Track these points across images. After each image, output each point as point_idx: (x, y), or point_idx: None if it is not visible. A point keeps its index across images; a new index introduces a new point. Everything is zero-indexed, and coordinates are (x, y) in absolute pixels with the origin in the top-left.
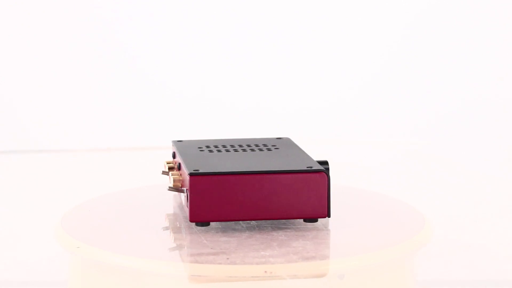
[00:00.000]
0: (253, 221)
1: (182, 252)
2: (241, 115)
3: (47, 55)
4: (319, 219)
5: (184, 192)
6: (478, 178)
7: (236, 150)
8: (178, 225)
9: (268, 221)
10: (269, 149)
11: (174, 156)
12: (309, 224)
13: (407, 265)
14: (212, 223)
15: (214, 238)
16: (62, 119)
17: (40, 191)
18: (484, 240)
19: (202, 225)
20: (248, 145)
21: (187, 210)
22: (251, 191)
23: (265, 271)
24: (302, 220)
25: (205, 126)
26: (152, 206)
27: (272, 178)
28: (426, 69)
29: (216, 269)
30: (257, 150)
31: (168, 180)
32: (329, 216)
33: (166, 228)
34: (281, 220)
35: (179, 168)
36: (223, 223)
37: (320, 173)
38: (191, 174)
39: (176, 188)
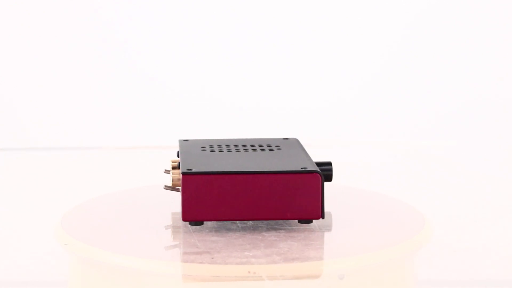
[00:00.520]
0: (249, 221)
1: (167, 251)
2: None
3: (47, 55)
4: (320, 220)
5: (179, 191)
6: (478, 178)
7: (238, 150)
8: (173, 225)
9: (265, 222)
10: (271, 150)
11: (178, 155)
12: (304, 225)
13: (407, 265)
14: (209, 223)
15: (206, 237)
16: (62, 118)
17: (40, 191)
18: (484, 240)
19: (195, 225)
20: (252, 145)
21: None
22: (244, 191)
23: (249, 271)
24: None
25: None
26: (152, 206)
27: (265, 178)
28: (426, 69)
29: (195, 268)
30: (259, 151)
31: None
32: (323, 217)
33: (166, 228)
34: (278, 221)
35: (179, 167)
36: (220, 223)
37: (314, 174)
38: (183, 173)
39: (171, 187)
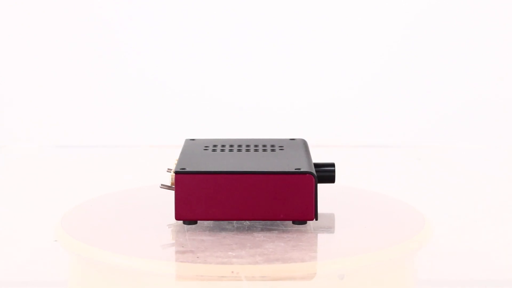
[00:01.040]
0: (246, 222)
1: (155, 250)
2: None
3: (47, 55)
4: (320, 220)
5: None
6: (478, 178)
7: (240, 150)
8: (174, 224)
9: (261, 222)
10: (273, 150)
11: None
12: (299, 226)
13: (407, 265)
14: (205, 222)
15: (198, 236)
16: (62, 118)
17: (40, 191)
18: (484, 240)
19: (189, 223)
20: (256, 146)
21: None
22: (236, 191)
23: (232, 271)
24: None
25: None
26: (152, 206)
27: (257, 179)
28: (426, 69)
29: (177, 266)
30: (261, 151)
31: None
32: (316, 219)
33: (166, 228)
34: (275, 222)
35: None
36: (216, 222)
37: (307, 175)
38: (176, 172)
39: (168, 186)
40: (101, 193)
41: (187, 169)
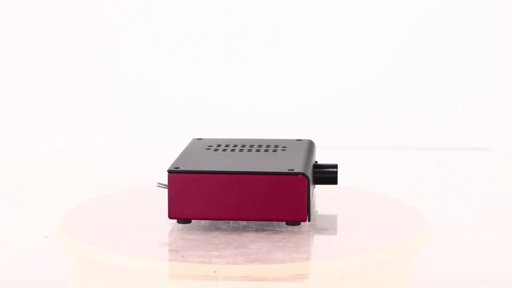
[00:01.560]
0: (243, 222)
1: (143, 249)
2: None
3: (47, 55)
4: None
5: None
6: (478, 178)
7: (241, 150)
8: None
9: (258, 222)
10: (275, 151)
11: None
12: (292, 227)
13: (407, 265)
14: (202, 222)
15: (189, 236)
16: (62, 118)
17: (40, 191)
18: (484, 240)
19: (183, 222)
20: (260, 146)
21: None
22: (229, 191)
23: (215, 271)
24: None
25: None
26: (152, 206)
27: (249, 179)
28: (425, 69)
29: (157, 265)
30: (263, 151)
31: None
32: (309, 220)
33: (165, 228)
34: (271, 222)
35: None
36: (212, 221)
37: (299, 176)
38: (169, 171)
39: (164, 185)
40: (101, 193)
41: (181, 168)
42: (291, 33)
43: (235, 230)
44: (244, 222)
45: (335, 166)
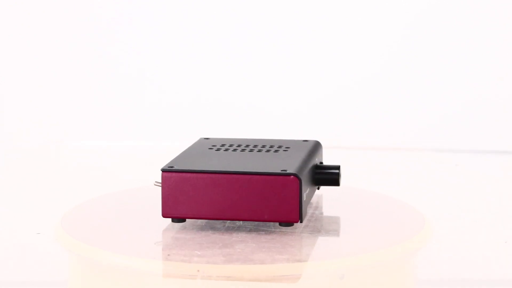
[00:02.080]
0: (239, 221)
1: (144, 249)
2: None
3: (47, 55)
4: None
5: None
6: (478, 178)
7: (243, 150)
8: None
9: (253, 222)
10: (276, 151)
11: None
12: (285, 228)
13: (407, 265)
14: (198, 221)
15: (181, 235)
16: (62, 118)
17: (40, 191)
18: (484, 240)
19: (178, 221)
20: (263, 146)
21: None
22: (221, 191)
23: (198, 270)
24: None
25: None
26: (152, 206)
27: (241, 179)
28: (425, 69)
29: (142, 263)
30: (264, 151)
31: None
32: (301, 221)
33: (164, 228)
34: (266, 223)
35: None
36: (209, 221)
37: (291, 176)
38: (163, 170)
39: (160, 183)
40: (101, 193)
41: (175, 167)
42: (291, 33)
43: (229, 230)
44: (241, 222)
45: (337, 168)
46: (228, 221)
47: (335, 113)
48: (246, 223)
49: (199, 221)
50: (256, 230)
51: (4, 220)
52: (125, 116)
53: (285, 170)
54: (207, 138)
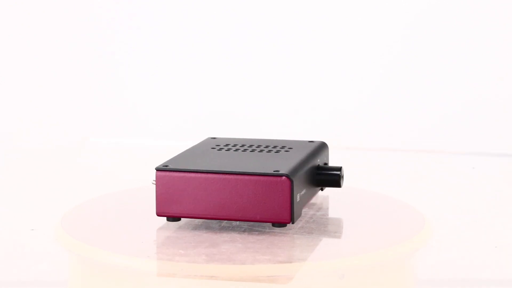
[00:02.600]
0: (236, 221)
1: (133, 248)
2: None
3: (47, 55)
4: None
5: None
6: (478, 178)
7: (245, 150)
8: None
9: (249, 223)
10: (277, 152)
11: None
12: (278, 229)
13: (407, 265)
14: (196, 220)
15: (174, 234)
16: (62, 118)
17: (40, 191)
18: (484, 240)
19: (173, 220)
20: (266, 146)
21: None
22: (214, 190)
23: (182, 269)
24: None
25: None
26: (153, 206)
27: (234, 179)
28: (425, 69)
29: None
30: (265, 152)
31: None
32: (292, 222)
33: (163, 227)
34: (262, 223)
35: None
36: (206, 220)
37: (283, 177)
38: (157, 169)
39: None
40: (101, 193)
41: (169, 167)
42: (290, 34)
43: (224, 229)
44: (237, 222)
45: (339, 169)
46: (225, 221)
47: (335, 113)
48: (242, 223)
49: (196, 220)
50: (250, 230)
51: (4, 220)
52: (126, 116)
53: (278, 171)
54: (214, 138)
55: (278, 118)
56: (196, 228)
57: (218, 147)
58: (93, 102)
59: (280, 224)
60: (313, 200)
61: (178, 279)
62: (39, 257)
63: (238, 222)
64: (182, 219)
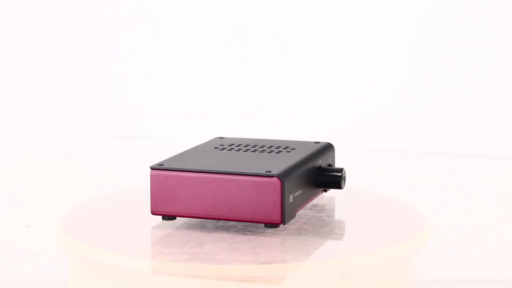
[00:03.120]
0: (232, 221)
1: (132, 248)
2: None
3: (47, 55)
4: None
5: None
6: (478, 178)
7: (246, 151)
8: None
9: (245, 223)
10: (278, 152)
11: None
12: (271, 230)
13: (407, 265)
14: (192, 219)
15: (167, 232)
16: (62, 118)
17: (40, 191)
18: (484, 240)
19: (168, 219)
20: (270, 147)
21: None
22: (206, 190)
23: (160, 268)
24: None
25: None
26: None
27: (226, 179)
28: (425, 69)
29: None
30: (267, 152)
31: None
32: (283, 223)
33: (163, 227)
34: (257, 224)
35: None
36: (202, 219)
37: (274, 178)
38: (151, 168)
39: None
40: (101, 193)
41: (164, 166)
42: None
43: (217, 229)
44: (233, 222)
45: (339, 170)
46: (222, 221)
47: (335, 113)
48: (238, 223)
49: (193, 219)
50: (243, 230)
51: (4, 220)
52: (126, 116)
53: (269, 171)
54: (222, 137)
55: (294, 119)
56: (190, 227)
57: (221, 147)
58: (93, 102)
59: (272, 224)
60: (316, 202)
61: (156, 277)
62: (39, 257)
63: (234, 222)
64: (178, 218)
